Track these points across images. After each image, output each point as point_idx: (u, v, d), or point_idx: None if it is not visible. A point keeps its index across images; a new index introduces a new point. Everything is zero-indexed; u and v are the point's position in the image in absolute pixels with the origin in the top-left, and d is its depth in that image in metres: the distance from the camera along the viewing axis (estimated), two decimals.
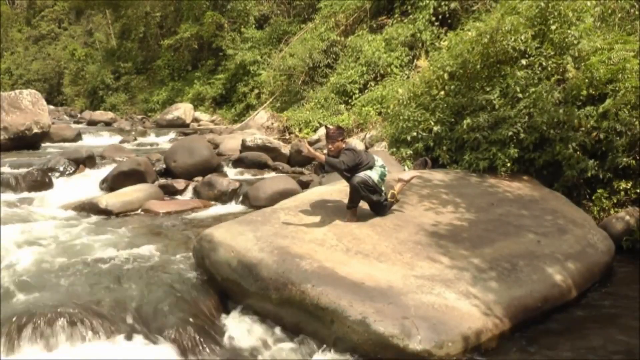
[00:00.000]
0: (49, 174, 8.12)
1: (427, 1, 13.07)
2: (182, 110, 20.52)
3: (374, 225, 4.46)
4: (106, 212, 6.59)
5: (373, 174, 4.50)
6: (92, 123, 21.49)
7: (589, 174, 5.73)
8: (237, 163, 9.57)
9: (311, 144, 11.94)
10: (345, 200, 4.67)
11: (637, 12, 7.29)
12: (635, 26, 7.14)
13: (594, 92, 6.00)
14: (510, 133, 6.11)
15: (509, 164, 6.11)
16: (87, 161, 9.05)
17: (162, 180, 8.26)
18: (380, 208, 4.67)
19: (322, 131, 12.70)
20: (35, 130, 11.67)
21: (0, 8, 43.37)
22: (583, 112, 5.82)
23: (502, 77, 6.73)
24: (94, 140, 14.38)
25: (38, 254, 4.82)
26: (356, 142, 10.98)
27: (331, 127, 4.65)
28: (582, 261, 4.38)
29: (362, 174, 4.46)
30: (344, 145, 4.53)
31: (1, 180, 7.53)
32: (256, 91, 19.05)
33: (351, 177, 4.45)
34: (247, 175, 9.02)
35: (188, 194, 7.84)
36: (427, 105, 7.36)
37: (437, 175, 6.13)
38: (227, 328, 3.62)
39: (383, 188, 4.67)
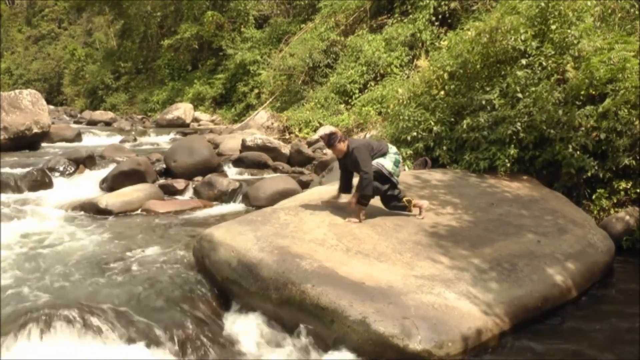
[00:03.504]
0: (49, 173, 8.12)
1: (427, 1, 13.08)
2: (182, 110, 20.52)
3: (374, 225, 4.45)
4: (106, 212, 6.59)
5: (386, 162, 4.41)
6: (92, 123, 21.49)
7: (589, 174, 5.73)
8: (237, 163, 9.57)
9: (311, 144, 11.96)
10: (346, 200, 4.66)
11: (637, 12, 7.29)
12: (635, 26, 7.13)
13: (594, 92, 6.00)
14: (509, 132, 6.11)
15: (508, 164, 6.11)
16: (87, 161, 9.05)
17: (162, 180, 8.26)
18: (391, 200, 4.51)
19: (321, 131, 12.72)
20: (35, 130, 11.66)
21: (0, 8, 43.37)
22: (583, 112, 5.82)
23: (502, 77, 6.73)
24: (94, 140, 14.37)
25: (38, 253, 4.82)
26: None
27: (324, 134, 4.60)
28: (582, 261, 4.38)
29: (375, 162, 4.38)
30: (345, 145, 4.43)
31: (1, 180, 7.53)
32: (256, 91, 19.06)
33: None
34: (247, 175, 9.02)
35: (188, 194, 7.84)
36: (427, 105, 7.36)
37: (436, 175, 6.12)
38: (227, 328, 3.61)
39: (398, 178, 4.54)
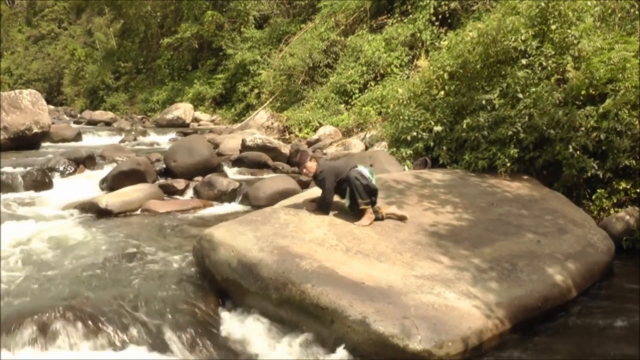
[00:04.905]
0: (49, 173, 8.12)
1: (427, 1, 13.09)
2: (182, 110, 20.53)
3: (374, 225, 4.45)
4: (106, 212, 6.58)
5: (362, 169, 4.50)
6: (92, 123, 21.50)
7: (589, 174, 5.73)
8: (237, 163, 9.57)
9: (311, 143, 11.97)
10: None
11: (637, 12, 7.29)
12: (635, 26, 7.14)
13: (594, 92, 6.00)
14: (510, 133, 6.11)
15: (508, 164, 6.11)
16: (87, 161, 9.05)
17: (162, 180, 8.26)
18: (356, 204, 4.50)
19: (321, 131, 12.73)
20: (35, 130, 11.67)
21: (0, 8, 43.39)
22: (583, 112, 5.82)
23: (502, 77, 6.73)
24: (94, 140, 14.38)
25: (37, 253, 4.82)
26: (356, 142, 11.00)
27: (299, 152, 4.72)
28: (582, 261, 4.38)
29: (359, 168, 4.47)
30: (314, 165, 4.54)
31: (1, 180, 7.52)
32: (256, 91, 19.06)
33: (344, 183, 4.44)
34: (247, 175, 9.02)
35: (188, 194, 7.84)
36: (427, 105, 7.36)
37: (436, 175, 6.12)
38: (227, 328, 3.61)
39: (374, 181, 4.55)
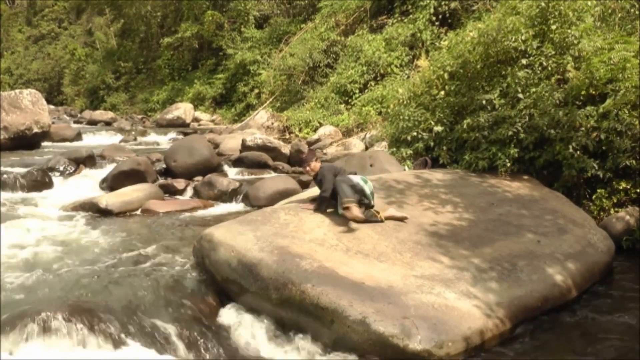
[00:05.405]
0: (49, 173, 8.12)
1: (428, 1, 13.10)
2: (182, 110, 20.54)
3: (374, 225, 4.44)
4: (106, 212, 6.58)
5: (355, 177, 4.54)
6: (92, 123, 21.51)
7: (589, 174, 5.73)
8: (237, 163, 9.58)
9: (311, 143, 11.97)
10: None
11: (637, 12, 7.29)
12: (635, 26, 7.14)
13: (594, 92, 5.99)
14: (510, 133, 6.11)
15: (509, 164, 6.11)
16: (87, 161, 9.06)
17: (162, 180, 8.26)
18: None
19: (322, 131, 12.73)
20: (35, 129, 11.67)
21: (0, 8, 43.39)
22: (583, 112, 5.81)
23: (503, 77, 6.73)
24: (94, 140, 14.39)
25: (37, 254, 4.82)
26: (356, 142, 11.00)
27: (305, 151, 4.79)
28: (582, 261, 4.38)
29: (356, 177, 4.52)
30: (317, 166, 4.71)
31: (1, 180, 7.53)
32: (256, 91, 19.06)
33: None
34: (247, 175, 9.03)
35: (188, 194, 7.84)
36: (427, 105, 7.36)
37: (436, 175, 6.12)
38: (226, 328, 3.61)
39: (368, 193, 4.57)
